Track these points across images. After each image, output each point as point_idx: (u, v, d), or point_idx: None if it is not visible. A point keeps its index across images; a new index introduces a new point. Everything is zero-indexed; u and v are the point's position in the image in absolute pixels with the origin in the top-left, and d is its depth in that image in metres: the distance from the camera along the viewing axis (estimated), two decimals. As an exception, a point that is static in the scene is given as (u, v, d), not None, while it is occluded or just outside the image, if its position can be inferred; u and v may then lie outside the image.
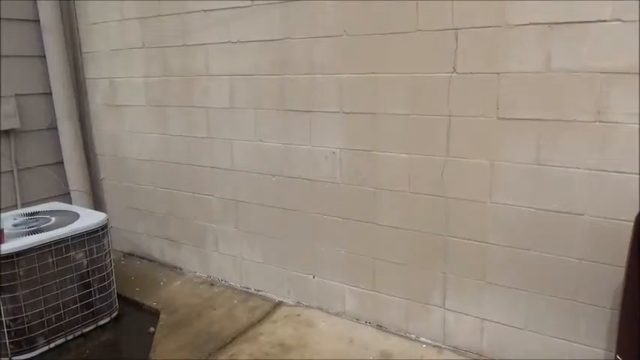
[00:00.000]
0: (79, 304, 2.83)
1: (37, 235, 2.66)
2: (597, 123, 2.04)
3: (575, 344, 2.27)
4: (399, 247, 2.68)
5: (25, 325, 2.60)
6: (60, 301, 2.73)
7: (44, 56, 3.65)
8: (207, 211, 3.48)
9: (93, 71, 3.85)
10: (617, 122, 2.00)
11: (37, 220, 2.92)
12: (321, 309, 3.05)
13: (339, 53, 2.63)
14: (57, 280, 2.71)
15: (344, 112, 2.68)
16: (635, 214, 1.78)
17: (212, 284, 3.49)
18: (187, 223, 3.62)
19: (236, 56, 3.02)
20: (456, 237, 2.49)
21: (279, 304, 3.17)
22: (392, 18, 2.42)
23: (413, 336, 2.74)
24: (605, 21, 1.95)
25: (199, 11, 3.10)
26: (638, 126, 1.96)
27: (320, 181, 2.86)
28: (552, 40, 2.06)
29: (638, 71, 1.92)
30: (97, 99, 3.90)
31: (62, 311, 2.75)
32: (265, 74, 2.93)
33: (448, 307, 2.60)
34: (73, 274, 2.78)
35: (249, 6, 2.88)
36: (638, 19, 1.88)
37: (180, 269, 3.75)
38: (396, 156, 2.56)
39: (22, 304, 2.57)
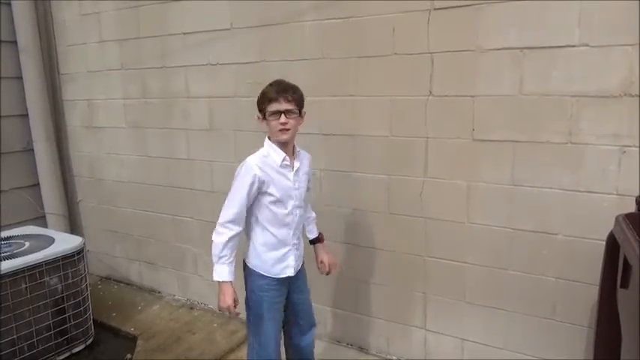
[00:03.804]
0: (52, 331, 2.75)
1: (9, 260, 2.59)
2: (569, 144, 2.09)
3: (553, 363, 2.29)
4: (379, 268, 2.68)
5: (-4, 355, 2.51)
6: (33, 329, 2.65)
7: (21, 77, 3.61)
8: (186, 234, 3.44)
9: (71, 93, 3.82)
10: (588, 143, 2.06)
11: (10, 245, 2.85)
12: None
13: (318, 76, 2.66)
14: (30, 307, 2.63)
15: (323, 134, 2.70)
16: (608, 233, 1.82)
17: (191, 308, 3.43)
18: (166, 245, 3.57)
19: (215, 78, 3.03)
20: (435, 257, 2.51)
21: (259, 327, 3.13)
22: (369, 42, 2.47)
23: (394, 357, 2.73)
24: (573, 46, 2.02)
25: (179, 34, 3.12)
26: (608, 147, 2.02)
27: (300, 202, 2.86)
28: (524, 64, 2.12)
29: (607, 94, 1.98)
30: (74, 120, 3.86)
31: (35, 339, 2.67)
32: (245, 96, 2.94)
33: (429, 327, 2.61)
34: (47, 300, 2.71)
35: (228, 29, 2.91)
36: (603, 44, 1.96)
37: (159, 293, 3.68)
38: (375, 177, 2.58)
39: (-7, 332, 2.49)
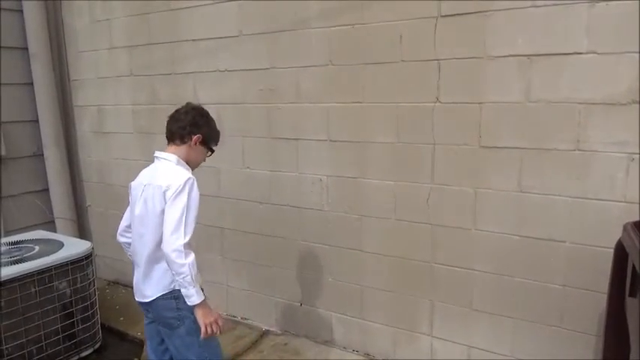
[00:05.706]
0: (61, 335, 2.76)
1: (19, 264, 2.61)
2: (577, 151, 2.09)
3: (561, 371, 2.28)
4: (386, 275, 2.68)
5: (5, 358, 2.53)
6: (42, 332, 2.67)
7: (32, 83, 3.66)
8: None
9: (81, 99, 3.86)
10: (595, 151, 2.05)
11: (20, 250, 2.87)
12: (308, 337, 3.02)
13: (325, 82, 2.67)
14: (39, 311, 2.64)
15: (331, 140, 2.71)
16: (615, 241, 1.81)
17: (198, 313, 3.44)
18: (174, 250, 3.58)
19: (224, 85, 3.05)
20: (442, 264, 2.50)
21: (265, 332, 3.13)
22: (376, 48, 2.48)
23: (401, 364, 2.73)
24: (581, 53, 2.02)
25: (188, 41, 3.15)
26: (616, 155, 2.01)
27: (307, 208, 2.87)
28: (531, 72, 2.13)
29: (615, 102, 1.98)
30: (84, 126, 3.90)
31: (44, 343, 2.68)
32: (253, 102, 2.96)
33: (435, 334, 2.60)
34: (56, 304, 2.72)
35: (237, 36, 2.93)
36: (611, 51, 1.96)
37: (166, 297, 3.69)
38: (381, 183, 2.59)
39: (3, 335, 2.50)
